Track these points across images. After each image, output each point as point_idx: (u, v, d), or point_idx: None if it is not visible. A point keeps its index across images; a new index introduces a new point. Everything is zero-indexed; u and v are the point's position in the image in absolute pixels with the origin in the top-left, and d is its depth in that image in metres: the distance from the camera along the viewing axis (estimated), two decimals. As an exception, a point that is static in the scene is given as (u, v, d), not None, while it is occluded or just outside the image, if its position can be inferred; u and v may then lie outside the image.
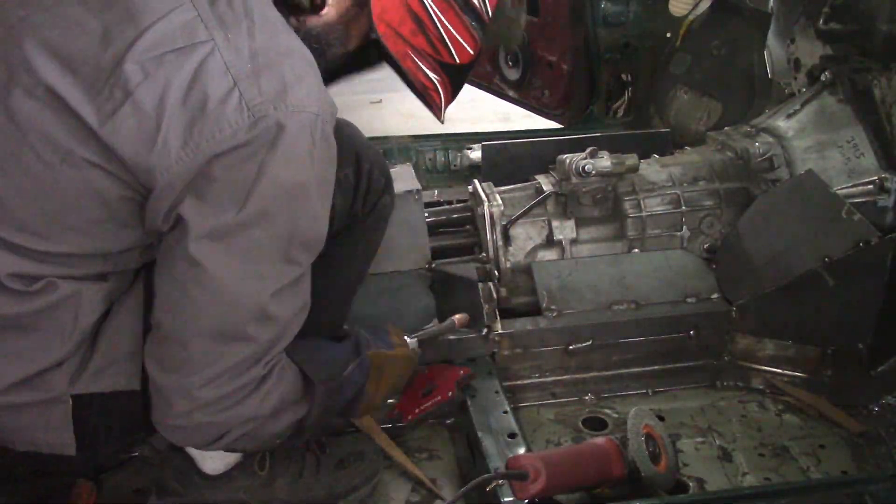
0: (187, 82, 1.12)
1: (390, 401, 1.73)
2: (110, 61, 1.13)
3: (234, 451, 1.42)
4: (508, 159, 2.39)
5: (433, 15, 1.38)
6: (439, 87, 1.44)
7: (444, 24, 1.39)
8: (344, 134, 1.31)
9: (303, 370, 1.37)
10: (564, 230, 2.13)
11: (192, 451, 1.51)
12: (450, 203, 2.35)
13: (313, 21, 1.33)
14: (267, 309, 1.24)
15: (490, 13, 1.43)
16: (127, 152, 1.12)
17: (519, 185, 2.23)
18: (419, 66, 1.40)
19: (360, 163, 1.44)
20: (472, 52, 1.45)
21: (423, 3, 1.36)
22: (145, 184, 1.15)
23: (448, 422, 1.79)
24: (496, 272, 2.03)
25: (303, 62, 1.23)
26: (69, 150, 1.13)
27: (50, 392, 1.23)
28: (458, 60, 1.43)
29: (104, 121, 1.12)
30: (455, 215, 2.25)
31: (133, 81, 1.12)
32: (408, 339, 1.65)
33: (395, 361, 1.57)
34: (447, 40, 1.40)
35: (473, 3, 1.41)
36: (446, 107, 1.50)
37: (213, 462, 1.52)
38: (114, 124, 1.12)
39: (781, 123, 2.27)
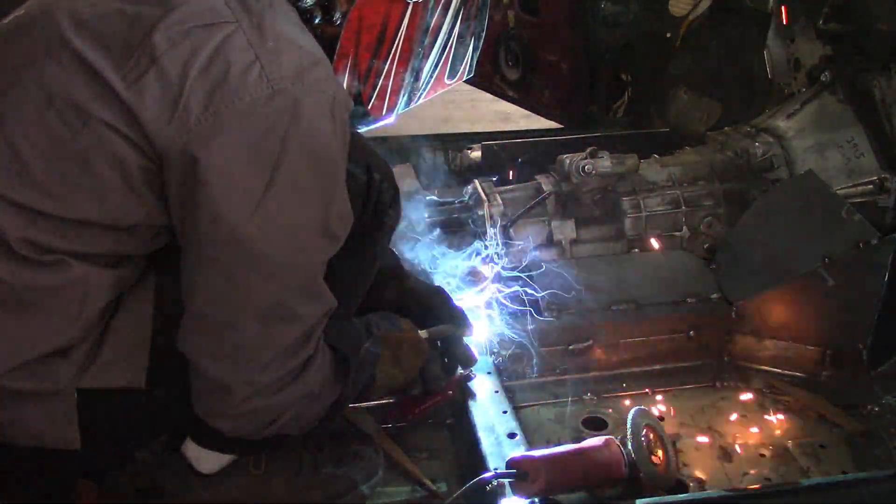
0: (211, 52, 1.17)
1: (391, 399, 1.73)
2: (139, 35, 1.18)
3: (283, 434, 1.40)
4: (508, 159, 2.39)
5: (392, 51, 1.42)
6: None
7: (390, 69, 1.44)
8: (355, 142, 1.31)
9: (334, 348, 1.39)
10: (564, 230, 2.12)
11: (188, 452, 1.50)
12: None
13: (328, 30, 1.37)
14: (314, 285, 1.28)
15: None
16: (149, 117, 1.15)
17: (519, 185, 2.23)
18: (345, 74, 1.41)
19: (371, 174, 1.44)
20: (384, 112, 1.49)
21: (395, 34, 1.40)
22: (162, 151, 1.17)
23: (448, 422, 1.79)
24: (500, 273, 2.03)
25: (319, 52, 1.27)
26: (90, 113, 1.16)
27: (55, 384, 1.23)
28: (368, 106, 1.47)
29: (129, 86, 1.15)
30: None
31: (159, 49, 1.16)
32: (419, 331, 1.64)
33: (406, 342, 1.57)
34: (378, 84, 1.44)
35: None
36: None
37: (209, 462, 1.51)
38: (138, 89, 1.15)
39: (781, 123, 2.27)
